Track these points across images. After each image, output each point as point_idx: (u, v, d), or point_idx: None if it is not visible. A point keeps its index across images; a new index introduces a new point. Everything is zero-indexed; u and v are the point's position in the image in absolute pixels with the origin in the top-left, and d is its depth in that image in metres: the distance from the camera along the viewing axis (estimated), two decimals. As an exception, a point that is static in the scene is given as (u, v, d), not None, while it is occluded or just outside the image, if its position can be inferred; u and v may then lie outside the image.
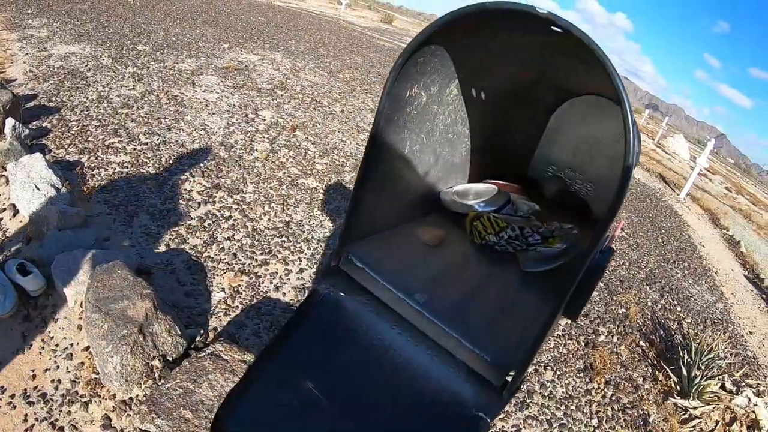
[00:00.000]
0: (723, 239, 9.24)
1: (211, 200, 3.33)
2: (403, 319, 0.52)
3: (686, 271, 6.19)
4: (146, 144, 3.76)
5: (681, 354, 3.70)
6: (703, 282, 6.18)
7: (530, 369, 2.98)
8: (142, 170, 3.40)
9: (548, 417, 2.72)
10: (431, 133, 0.61)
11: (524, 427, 2.56)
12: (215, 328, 2.34)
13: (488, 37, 0.53)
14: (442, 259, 0.64)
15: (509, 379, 0.47)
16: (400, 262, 0.57)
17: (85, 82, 4.54)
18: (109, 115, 4.03)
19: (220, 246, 2.92)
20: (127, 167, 3.38)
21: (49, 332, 2.05)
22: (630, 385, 3.35)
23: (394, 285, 0.54)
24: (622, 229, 6.25)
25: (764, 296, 7.12)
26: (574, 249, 0.92)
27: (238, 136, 4.45)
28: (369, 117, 6.41)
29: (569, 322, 3.59)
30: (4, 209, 2.65)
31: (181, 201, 3.21)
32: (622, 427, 2.96)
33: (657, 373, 3.60)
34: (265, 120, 5.05)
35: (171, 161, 3.64)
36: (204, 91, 5.24)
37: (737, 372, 3.69)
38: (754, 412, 3.31)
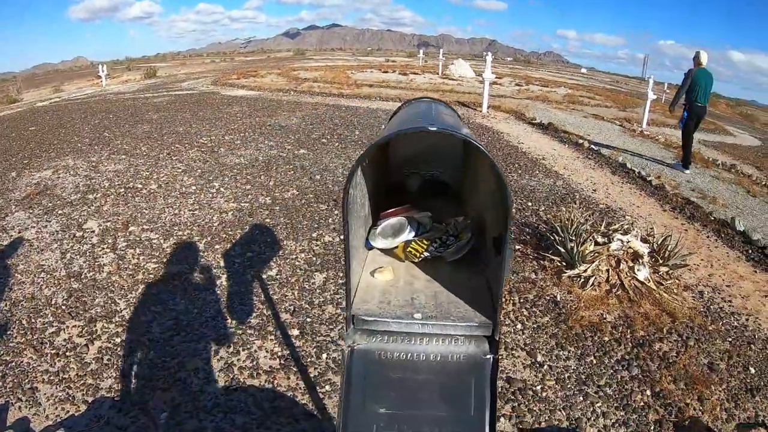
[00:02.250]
0: (535, 129, 10.38)
1: (95, 336, 3.22)
2: (411, 335, 0.73)
3: (520, 171, 6.97)
4: (-3, 316, 3.49)
5: (552, 237, 4.27)
6: (537, 171, 7.01)
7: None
8: (10, 344, 3.15)
9: None
10: (356, 207, 0.80)
11: None
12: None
13: None
14: (403, 284, 0.87)
15: (494, 327, 0.71)
16: (387, 302, 0.77)
17: None
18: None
19: (132, 373, 2.88)
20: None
21: None
22: (527, 283, 3.89)
23: (398, 317, 0.75)
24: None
25: (589, 156, 8.24)
26: (474, 235, 1.18)
27: (80, 261, 4.24)
28: (186, 179, 6.32)
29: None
30: None
31: (68, 353, 3.07)
32: (541, 317, 3.47)
33: (543, 262, 4.16)
34: (94, 231, 4.82)
35: (32, 319, 3.42)
36: (19, 232, 4.85)
37: (602, 225, 4.27)
38: (630, 247, 3.95)
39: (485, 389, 0.72)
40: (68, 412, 2.61)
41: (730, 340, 3.39)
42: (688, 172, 7.95)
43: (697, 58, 7.61)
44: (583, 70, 62.74)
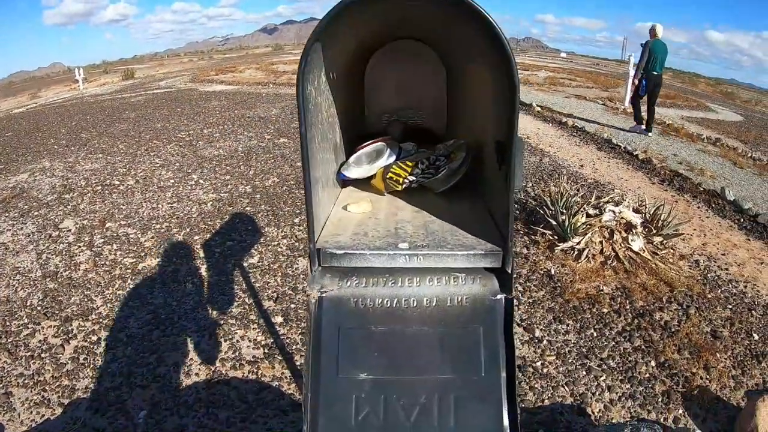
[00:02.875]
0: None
1: (71, 336, 3.04)
2: (397, 272, 0.55)
3: None
4: (-33, 321, 3.30)
5: (542, 211, 4.16)
6: (523, 151, 6.90)
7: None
8: (-19, 349, 2.99)
9: None
10: (322, 122, 0.66)
11: None
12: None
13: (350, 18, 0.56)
14: (385, 216, 0.70)
15: (504, 257, 0.55)
16: (364, 234, 0.61)
17: None
18: None
19: (109, 371, 2.71)
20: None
21: None
22: (520, 258, 3.78)
23: (378, 248, 0.58)
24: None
25: (574, 134, 8.16)
26: (469, 154, 0.98)
27: (56, 260, 4.05)
28: (164, 173, 6.16)
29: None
30: None
31: (43, 354, 2.89)
32: (537, 291, 3.36)
33: (534, 237, 4.05)
34: (70, 230, 4.63)
35: (7, 322, 3.23)
36: (-6, 239, 4.65)
37: (592, 198, 4.18)
38: (623, 218, 3.85)
39: (498, 340, 0.54)
40: (44, 416, 2.44)
41: (730, 307, 3.31)
42: (650, 134, 8.47)
43: (653, 30, 7.97)
44: (563, 54, 62.68)
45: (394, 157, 0.78)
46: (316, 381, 0.55)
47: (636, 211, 4.01)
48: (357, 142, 0.86)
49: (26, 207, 5.30)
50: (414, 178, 0.79)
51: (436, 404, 0.53)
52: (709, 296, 3.40)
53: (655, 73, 8.01)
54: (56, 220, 4.90)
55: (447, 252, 0.57)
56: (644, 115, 8.66)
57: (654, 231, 3.92)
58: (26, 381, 2.69)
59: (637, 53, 8.80)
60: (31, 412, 2.47)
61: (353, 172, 0.78)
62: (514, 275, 0.56)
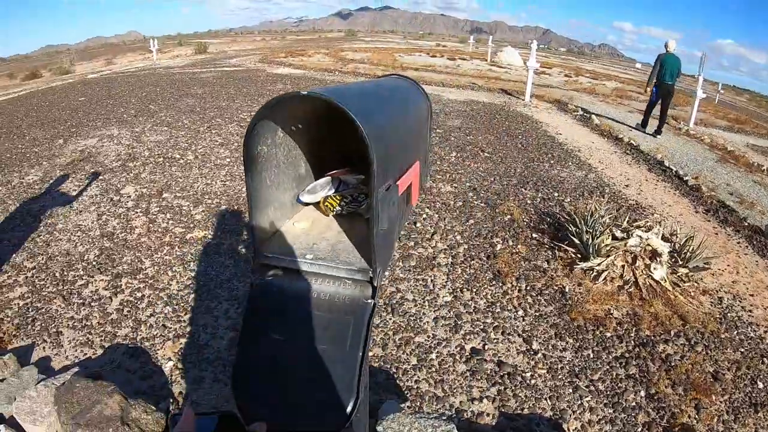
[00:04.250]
0: (576, 120, 10.23)
1: (119, 290, 3.48)
2: (307, 274, 0.87)
3: (552, 161, 6.94)
4: (34, 268, 3.78)
5: (569, 227, 4.27)
6: (570, 163, 6.96)
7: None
8: (43, 293, 3.46)
9: (482, 326, 3.21)
10: (278, 165, 0.92)
11: (466, 343, 3.04)
12: (180, 393, 2.59)
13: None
14: (315, 233, 1.00)
15: (372, 274, 0.84)
16: (291, 243, 0.90)
17: (-58, 235, 4.40)
18: (-17, 256, 3.98)
19: (147, 324, 3.11)
20: (28, 297, 3.42)
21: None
22: (538, 272, 3.92)
23: (293, 255, 0.88)
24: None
25: (628, 151, 8.15)
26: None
27: (114, 222, 4.52)
28: (222, 151, 6.58)
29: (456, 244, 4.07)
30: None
31: (92, 303, 3.34)
32: (545, 306, 3.50)
33: (557, 252, 4.18)
34: (130, 196, 5.11)
35: (65, 272, 3.71)
36: (61, 194, 5.20)
37: (624, 221, 4.22)
38: (649, 244, 3.89)
39: (361, 330, 0.83)
40: (86, 354, 2.87)
41: (742, 350, 3.27)
42: (646, 132, 9.81)
43: (666, 46, 9.27)
44: (638, 65, 60.46)
45: (333, 190, 1.07)
46: (244, 338, 0.86)
47: (666, 239, 4.05)
48: (330, 166, 1.14)
49: (92, 171, 5.85)
50: (340, 209, 1.08)
51: (314, 362, 0.83)
52: (723, 336, 3.38)
53: (666, 82, 9.15)
54: (118, 185, 5.40)
55: (335, 265, 0.87)
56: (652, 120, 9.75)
57: (680, 262, 3.96)
58: (75, 324, 3.13)
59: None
60: (76, 350, 2.90)
61: (305, 198, 1.07)
62: (378, 288, 0.84)
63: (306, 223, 1.03)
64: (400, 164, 0.98)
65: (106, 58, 26.81)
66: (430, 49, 30.01)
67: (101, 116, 8.72)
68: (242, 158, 0.86)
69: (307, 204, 1.09)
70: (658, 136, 9.53)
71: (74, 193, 5.21)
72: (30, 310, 3.28)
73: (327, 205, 1.08)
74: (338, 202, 1.09)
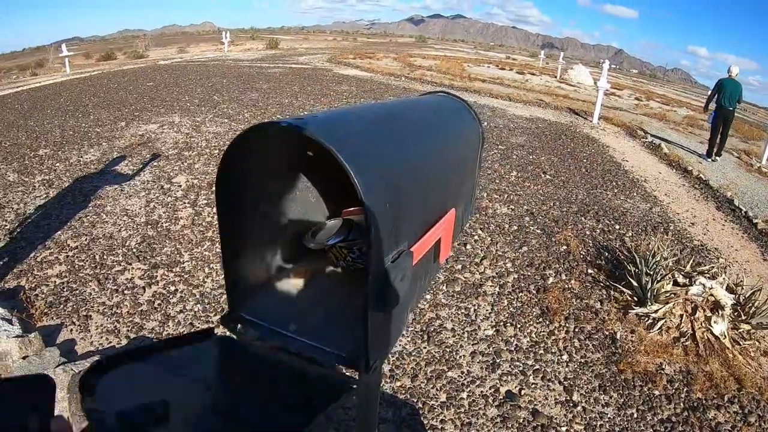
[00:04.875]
0: (644, 148, 9.79)
1: (153, 281, 3.47)
2: (281, 349, 0.70)
3: (616, 190, 6.61)
4: (76, 247, 3.84)
5: (628, 267, 4.00)
6: (635, 194, 6.62)
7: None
8: (80, 274, 3.49)
9: (521, 368, 2.99)
10: (271, 198, 0.77)
11: (501, 385, 2.84)
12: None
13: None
14: (307, 293, 0.84)
15: (364, 366, 0.64)
16: (273, 306, 0.74)
17: (-2, 206, 4.55)
18: (33, 231, 4.07)
19: (176, 320, 3.08)
20: (65, 276, 3.47)
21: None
22: (589, 312, 3.67)
23: (276, 324, 0.72)
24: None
25: (696, 185, 7.72)
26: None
27: (160, 210, 4.56)
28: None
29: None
30: (-37, 355, 2.73)
31: (126, 291, 3.34)
32: (593, 352, 3.25)
33: (612, 293, 3.91)
34: (181, 186, 5.16)
35: (104, 256, 3.74)
36: (114, 176, 5.30)
37: (687, 264, 3.96)
38: (712, 295, 3.62)
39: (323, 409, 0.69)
40: (110, 342, 2.85)
41: None
42: (710, 160, 9.59)
43: (729, 70, 9.33)
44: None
45: (340, 238, 0.90)
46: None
47: (730, 289, 3.78)
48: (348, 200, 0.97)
49: (148, 156, 5.96)
50: (345, 264, 0.92)
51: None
52: (783, 407, 3.08)
53: (724, 107, 9.21)
54: (171, 174, 5.47)
55: (323, 346, 0.71)
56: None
57: (743, 316, 3.68)
58: (105, 310, 3.13)
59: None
60: (102, 337, 2.89)
61: (310, 244, 0.92)
62: (376, 376, 0.69)
63: (303, 277, 0.88)
64: (422, 219, 0.77)
65: (179, 46, 27.76)
66: (500, 62, 29.71)
67: (165, 103, 8.94)
68: (216, 186, 0.70)
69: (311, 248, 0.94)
70: (717, 159, 9.65)
71: (127, 177, 5.30)
72: (65, 290, 3.32)
73: (331, 256, 0.93)
74: (343, 256, 0.93)
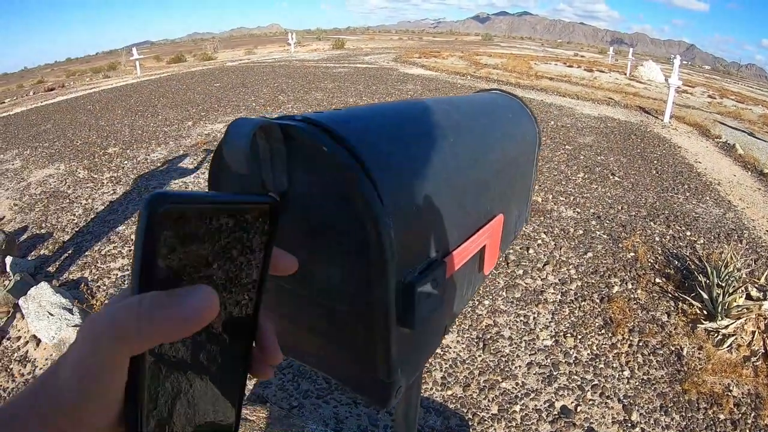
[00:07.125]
0: (718, 148, 9.29)
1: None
2: None
3: (687, 194, 6.30)
4: (138, 242, 4.03)
5: (698, 278, 3.78)
6: (707, 198, 6.29)
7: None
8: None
9: (579, 382, 2.89)
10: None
11: (557, 399, 2.75)
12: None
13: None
14: None
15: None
16: None
17: (68, 201, 4.83)
18: (99, 225, 4.31)
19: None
20: (127, 270, 3.64)
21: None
22: (655, 325, 3.49)
23: None
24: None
25: None
26: None
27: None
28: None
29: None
30: (27, 342, 2.92)
31: (182, 286, 3.47)
32: (656, 369, 3.09)
33: (680, 305, 3.72)
34: (240, 185, 5.30)
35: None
36: (180, 175, 5.53)
37: (762, 276, 3.73)
38: None
39: None
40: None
41: None
42: None
43: None
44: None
45: None
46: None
47: (812, 306, 3.54)
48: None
49: (210, 156, 6.17)
50: None
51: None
52: None
53: None
54: (232, 172, 5.64)
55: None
56: None
57: (828, 339, 3.44)
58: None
59: None
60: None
61: None
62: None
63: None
64: (460, 225, 0.70)
65: (247, 48, 28.68)
66: (567, 59, 28.92)
67: (232, 103, 9.25)
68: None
69: None
70: None
71: (191, 176, 5.51)
72: (126, 282, 3.48)
73: None
74: None
